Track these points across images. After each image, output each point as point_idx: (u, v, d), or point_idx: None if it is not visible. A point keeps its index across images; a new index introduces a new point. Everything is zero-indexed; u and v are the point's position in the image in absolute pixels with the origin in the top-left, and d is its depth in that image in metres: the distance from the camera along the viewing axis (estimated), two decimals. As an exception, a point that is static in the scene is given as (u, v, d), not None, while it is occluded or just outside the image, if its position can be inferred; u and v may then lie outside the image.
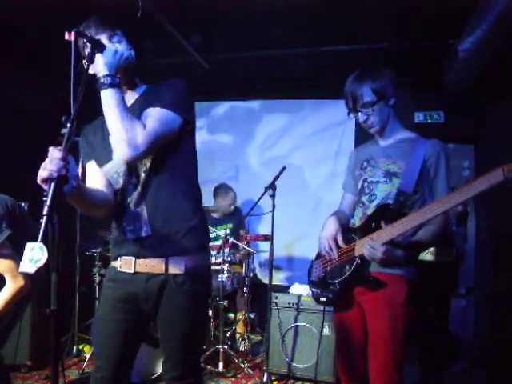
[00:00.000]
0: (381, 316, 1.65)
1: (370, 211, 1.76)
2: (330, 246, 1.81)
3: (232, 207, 4.09)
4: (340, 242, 1.80)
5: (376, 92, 1.72)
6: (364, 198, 1.82)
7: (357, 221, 1.82)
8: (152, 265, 1.44)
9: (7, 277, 1.92)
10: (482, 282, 3.83)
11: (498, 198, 3.25)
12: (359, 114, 1.77)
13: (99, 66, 1.37)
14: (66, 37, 1.27)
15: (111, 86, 1.36)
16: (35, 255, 1.04)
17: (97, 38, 1.39)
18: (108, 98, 1.35)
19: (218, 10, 2.97)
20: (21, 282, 1.91)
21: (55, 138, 1.32)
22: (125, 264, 1.49)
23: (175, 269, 1.43)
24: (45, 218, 1.07)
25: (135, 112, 1.46)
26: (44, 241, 1.06)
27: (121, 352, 1.48)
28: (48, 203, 1.09)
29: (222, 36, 3.40)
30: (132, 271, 1.46)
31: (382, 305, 1.65)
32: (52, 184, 1.10)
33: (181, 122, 1.44)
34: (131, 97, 1.55)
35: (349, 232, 1.81)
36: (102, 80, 1.36)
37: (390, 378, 1.63)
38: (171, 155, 1.47)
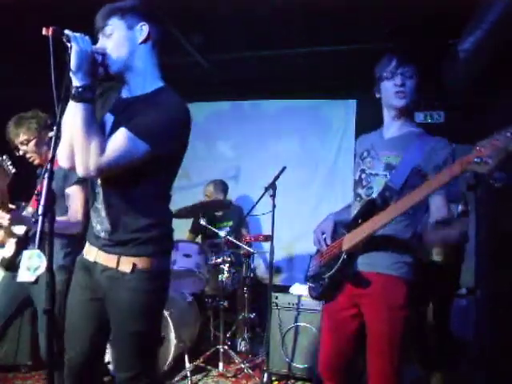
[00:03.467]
0: (379, 319, 1.64)
1: None
2: (318, 240, 1.84)
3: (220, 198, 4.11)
4: (328, 238, 1.81)
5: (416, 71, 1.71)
6: (361, 191, 1.78)
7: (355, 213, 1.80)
8: (107, 259, 1.50)
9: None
10: (483, 281, 3.83)
11: (499, 198, 3.25)
12: (397, 76, 1.69)
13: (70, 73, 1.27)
14: (44, 32, 1.22)
15: (81, 100, 1.29)
16: (33, 263, 1.03)
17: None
18: (75, 114, 1.30)
19: (218, 10, 2.97)
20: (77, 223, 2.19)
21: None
22: (89, 252, 1.56)
23: (125, 266, 1.46)
24: (40, 218, 1.06)
25: (124, 112, 1.44)
26: (40, 244, 1.06)
27: (91, 333, 1.52)
28: (42, 202, 1.09)
29: (221, 36, 3.40)
30: (93, 260, 1.53)
31: (380, 307, 1.63)
32: (45, 183, 1.11)
33: (148, 153, 1.36)
34: (129, 91, 1.51)
35: (342, 227, 1.80)
36: (73, 91, 1.29)
37: (388, 382, 1.62)
38: (134, 177, 1.44)
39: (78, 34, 1.29)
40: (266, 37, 3.38)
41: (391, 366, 1.61)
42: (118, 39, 1.42)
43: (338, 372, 1.79)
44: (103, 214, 1.49)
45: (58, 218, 2.02)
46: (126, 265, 1.46)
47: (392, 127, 1.78)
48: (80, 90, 1.28)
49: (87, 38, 1.32)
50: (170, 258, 1.61)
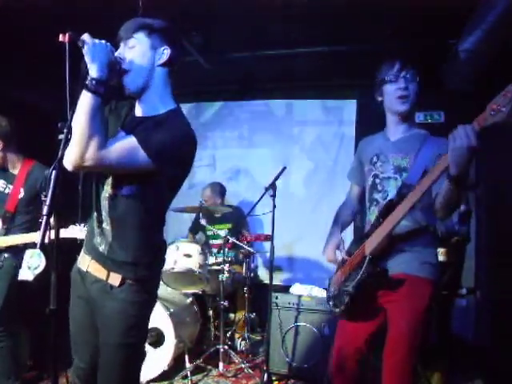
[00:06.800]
0: (404, 319, 1.65)
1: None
2: (334, 258, 1.86)
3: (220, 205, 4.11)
4: (343, 251, 1.84)
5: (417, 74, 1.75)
6: (377, 196, 1.80)
7: (373, 219, 1.78)
8: (98, 269, 1.49)
9: None
10: (483, 281, 3.83)
11: (499, 198, 3.24)
12: (400, 79, 1.73)
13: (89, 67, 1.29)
14: (60, 38, 1.24)
15: (92, 91, 1.28)
16: (33, 262, 1.04)
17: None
18: (83, 102, 1.28)
19: (218, 9, 2.97)
20: None
21: (55, 139, 1.30)
22: (82, 261, 1.56)
23: (114, 281, 1.46)
24: (44, 218, 1.07)
25: (135, 129, 1.43)
26: (42, 246, 1.07)
27: (95, 343, 1.50)
28: (47, 203, 1.09)
29: (222, 36, 3.40)
30: (85, 269, 1.53)
31: (406, 308, 1.65)
32: (51, 183, 1.11)
33: (148, 166, 1.36)
34: (143, 110, 1.51)
35: (361, 238, 1.80)
36: (87, 82, 1.28)
37: (403, 376, 1.64)
38: (138, 196, 1.45)
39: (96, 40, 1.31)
40: (266, 37, 3.38)
41: (408, 365, 1.64)
42: (138, 54, 1.44)
43: (349, 372, 1.80)
44: (108, 227, 1.48)
45: None
46: (115, 279, 1.46)
47: (397, 130, 1.81)
48: (94, 82, 1.28)
49: (107, 43, 1.34)
50: (159, 277, 1.62)
